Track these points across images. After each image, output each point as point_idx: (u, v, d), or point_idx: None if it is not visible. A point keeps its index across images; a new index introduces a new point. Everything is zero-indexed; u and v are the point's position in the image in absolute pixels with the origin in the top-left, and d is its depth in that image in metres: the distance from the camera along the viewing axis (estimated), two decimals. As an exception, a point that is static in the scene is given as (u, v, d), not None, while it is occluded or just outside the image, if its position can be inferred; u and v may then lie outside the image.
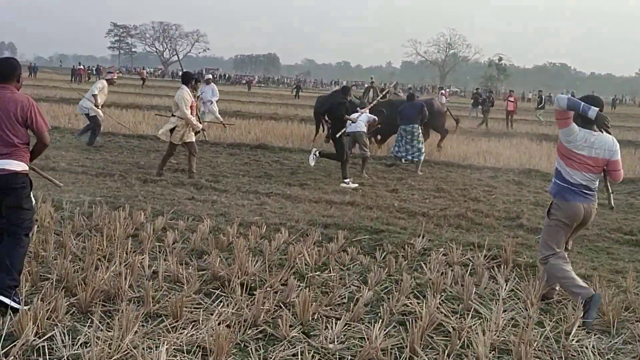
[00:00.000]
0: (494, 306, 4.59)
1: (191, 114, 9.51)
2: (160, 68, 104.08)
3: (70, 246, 5.29)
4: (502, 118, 26.28)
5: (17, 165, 4.25)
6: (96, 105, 12.37)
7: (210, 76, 19.08)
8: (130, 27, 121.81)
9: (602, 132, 4.68)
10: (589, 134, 4.67)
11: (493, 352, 3.91)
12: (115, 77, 13.84)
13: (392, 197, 9.02)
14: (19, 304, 4.01)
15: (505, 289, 5.07)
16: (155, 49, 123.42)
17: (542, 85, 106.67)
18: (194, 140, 9.79)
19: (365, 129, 11.09)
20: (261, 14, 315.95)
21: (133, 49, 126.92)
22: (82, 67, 53.35)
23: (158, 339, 3.74)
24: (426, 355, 3.80)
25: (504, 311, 4.52)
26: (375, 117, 11.79)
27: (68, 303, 4.14)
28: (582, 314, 4.42)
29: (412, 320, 4.18)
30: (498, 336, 4.11)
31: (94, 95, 12.40)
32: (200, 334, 3.83)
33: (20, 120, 4.22)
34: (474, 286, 4.95)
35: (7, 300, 3.98)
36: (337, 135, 10.03)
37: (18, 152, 4.26)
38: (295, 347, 3.80)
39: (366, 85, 32.38)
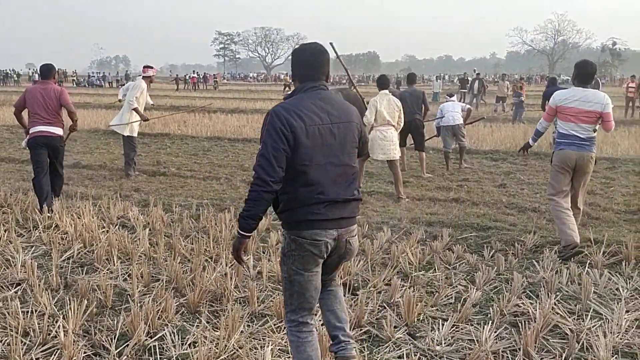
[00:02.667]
0: (615, 306, 4.26)
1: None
2: (263, 72, 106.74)
3: (180, 248, 5.46)
4: (621, 105, 24.55)
5: (59, 130, 6.98)
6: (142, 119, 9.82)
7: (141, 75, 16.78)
8: (233, 35, 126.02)
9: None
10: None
11: (616, 355, 3.61)
12: (153, 73, 10.30)
13: (499, 193, 8.66)
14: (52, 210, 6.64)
15: (627, 288, 4.70)
16: (257, 54, 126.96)
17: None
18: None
19: (462, 120, 11.03)
20: (360, 13, 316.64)
21: (237, 56, 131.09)
22: (194, 75, 55.46)
23: (263, 339, 3.76)
24: (541, 358, 3.57)
25: (627, 312, 4.19)
26: (470, 106, 12.09)
27: (177, 303, 4.27)
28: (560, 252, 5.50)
29: (524, 321, 3.96)
30: (621, 338, 3.81)
31: (135, 109, 9.56)
32: (304, 334, 3.80)
33: (58, 101, 6.89)
34: (592, 285, 4.62)
35: (53, 203, 6.80)
36: None
37: (58, 121, 6.97)
38: (400, 348, 3.69)
39: (471, 78, 31.57)
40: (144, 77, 10.03)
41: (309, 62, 3.06)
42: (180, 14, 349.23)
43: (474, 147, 13.09)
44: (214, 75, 66.09)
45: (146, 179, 9.57)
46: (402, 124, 8.48)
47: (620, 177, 9.85)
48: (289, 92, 3.19)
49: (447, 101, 11.67)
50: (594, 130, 5.65)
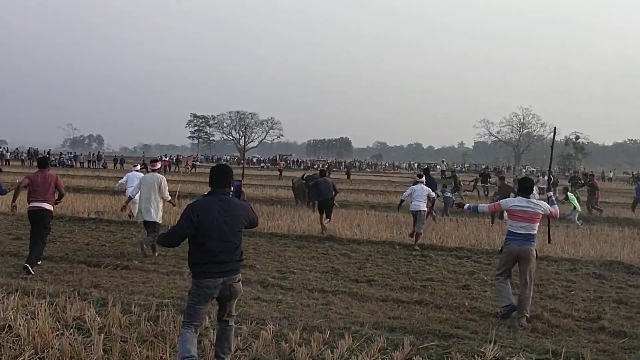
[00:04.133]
0: None
1: None
2: (237, 155, 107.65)
3: (134, 355, 5.32)
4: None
5: (49, 206, 9.47)
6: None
7: (138, 167, 16.84)
8: (208, 117, 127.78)
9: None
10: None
11: None
12: (160, 165, 12.05)
13: (462, 295, 8.70)
14: (32, 271, 8.96)
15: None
16: (232, 137, 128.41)
17: (623, 163, 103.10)
18: None
19: (425, 208, 13.36)
20: (333, 100, 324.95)
21: (211, 138, 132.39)
22: (166, 159, 55.45)
23: None
24: None
25: None
26: (434, 195, 14.14)
27: (127, 421, 4.12)
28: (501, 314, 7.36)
29: None
30: None
31: (170, 201, 11.56)
32: None
33: (53, 184, 9.48)
34: (549, 404, 4.60)
35: (30, 269, 8.98)
36: None
37: (50, 199, 9.48)
38: None
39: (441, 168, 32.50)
40: (154, 170, 11.51)
41: (216, 176, 5.19)
42: (156, 95, 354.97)
43: (439, 243, 13.23)
44: (189, 157, 66.29)
45: (108, 272, 9.42)
46: None
47: (582, 280, 9.99)
48: (206, 193, 5.25)
49: (416, 183, 13.93)
50: (534, 229, 7.47)
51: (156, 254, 10.89)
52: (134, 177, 14.90)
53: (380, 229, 15.17)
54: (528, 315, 7.21)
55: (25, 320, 6.04)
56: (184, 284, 8.78)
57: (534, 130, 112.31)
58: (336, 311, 7.57)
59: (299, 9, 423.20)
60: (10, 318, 6.19)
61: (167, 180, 11.60)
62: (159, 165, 11.83)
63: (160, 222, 11.31)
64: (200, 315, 5.01)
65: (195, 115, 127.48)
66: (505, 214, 8.20)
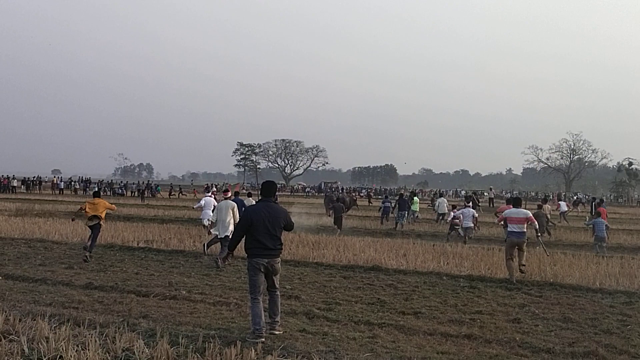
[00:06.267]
0: None
1: None
2: (282, 183, 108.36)
3: (181, 390, 5.35)
4: (634, 229, 24.40)
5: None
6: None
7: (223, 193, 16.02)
8: (255, 146, 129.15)
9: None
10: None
11: None
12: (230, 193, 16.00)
13: (513, 329, 8.46)
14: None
15: None
16: (277, 165, 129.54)
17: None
18: None
19: (472, 225, 20.16)
20: (377, 126, 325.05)
21: (257, 166, 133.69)
22: (214, 188, 55.75)
23: None
24: None
25: None
26: (477, 214, 21.15)
27: None
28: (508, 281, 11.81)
29: None
30: None
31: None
32: None
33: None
34: None
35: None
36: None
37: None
38: None
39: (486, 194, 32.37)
40: (227, 198, 14.67)
41: (264, 189, 7.78)
42: (203, 126, 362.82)
43: (488, 274, 12.96)
44: (235, 185, 67.13)
45: (156, 302, 9.54)
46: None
47: (638, 314, 9.58)
48: (258, 200, 7.87)
49: (465, 207, 21.05)
50: (524, 228, 12.42)
51: (227, 262, 12.94)
52: (210, 202, 17.92)
53: (427, 258, 14.95)
54: (524, 265, 12.43)
55: (76, 351, 6.16)
56: (231, 314, 8.83)
57: (585, 157, 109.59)
58: (382, 345, 7.46)
59: (347, 38, 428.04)
60: (62, 349, 6.31)
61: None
62: (229, 194, 15.39)
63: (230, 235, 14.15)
64: (258, 285, 7.38)
65: (241, 144, 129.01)
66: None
